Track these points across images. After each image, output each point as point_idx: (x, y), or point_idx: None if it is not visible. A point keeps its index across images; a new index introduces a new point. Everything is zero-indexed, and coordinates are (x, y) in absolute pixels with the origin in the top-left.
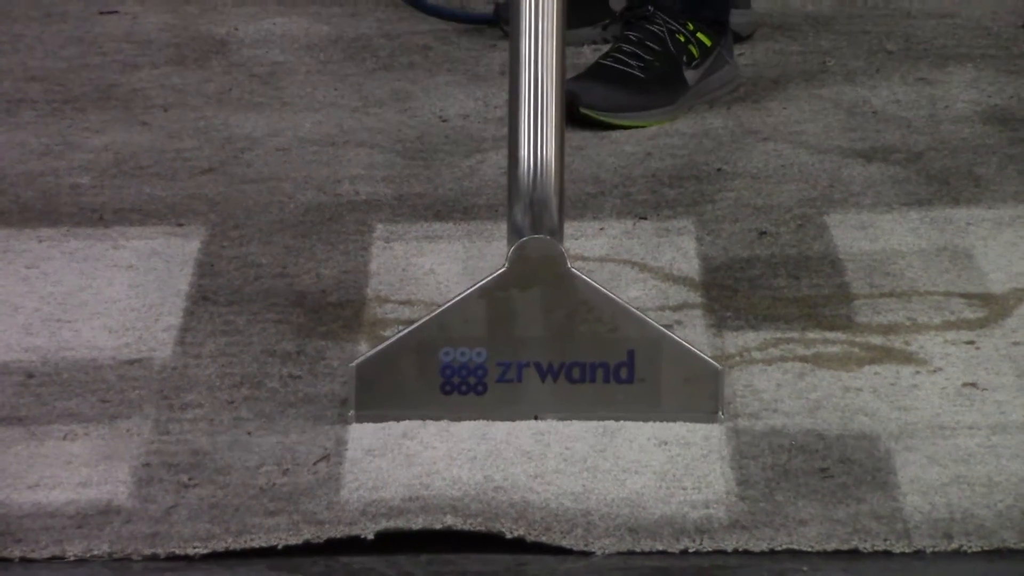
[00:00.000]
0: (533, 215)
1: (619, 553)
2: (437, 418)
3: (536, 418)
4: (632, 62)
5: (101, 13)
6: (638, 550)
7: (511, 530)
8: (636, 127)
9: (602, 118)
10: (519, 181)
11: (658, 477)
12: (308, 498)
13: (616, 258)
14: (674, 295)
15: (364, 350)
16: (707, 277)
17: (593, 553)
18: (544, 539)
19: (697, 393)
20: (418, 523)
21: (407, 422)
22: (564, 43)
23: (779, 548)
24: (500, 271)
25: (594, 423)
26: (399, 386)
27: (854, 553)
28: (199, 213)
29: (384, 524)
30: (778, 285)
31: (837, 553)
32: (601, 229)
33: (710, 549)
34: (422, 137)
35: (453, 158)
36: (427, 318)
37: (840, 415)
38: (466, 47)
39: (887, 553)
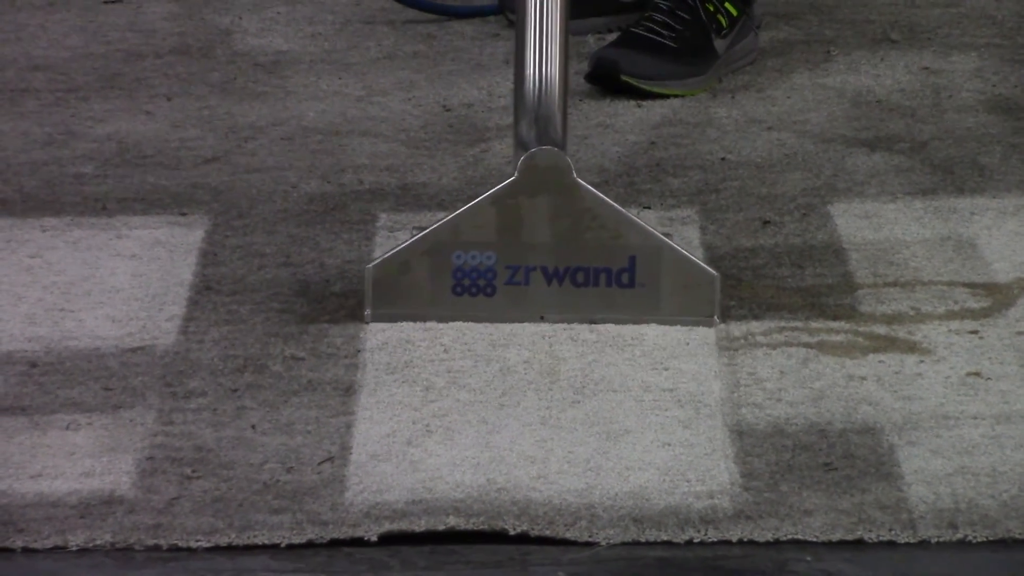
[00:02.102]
0: (538, 129)
1: (624, 544)
2: (448, 319)
3: (542, 319)
4: (664, 32)
5: (105, 2)
6: (643, 540)
7: (514, 526)
8: (675, 95)
9: (643, 86)
10: (525, 97)
11: (661, 473)
12: (312, 498)
13: None
14: None
15: (366, 341)
16: (711, 266)
17: (597, 543)
18: (548, 533)
19: (695, 298)
20: (421, 525)
21: (410, 431)
22: None
23: (784, 538)
24: (510, 179)
25: (597, 429)
26: (412, 288)
27: (859, 543)
28: (203, 202)
29: (387, 526)
30: (782, 274)
31: (842, 543)
32: None
33: (715, 539)
34: (426, 126)
35: (457, 147)
36: (440, 223)
37: (844, 404)
38: (470, 36)
39: (892, 543)
